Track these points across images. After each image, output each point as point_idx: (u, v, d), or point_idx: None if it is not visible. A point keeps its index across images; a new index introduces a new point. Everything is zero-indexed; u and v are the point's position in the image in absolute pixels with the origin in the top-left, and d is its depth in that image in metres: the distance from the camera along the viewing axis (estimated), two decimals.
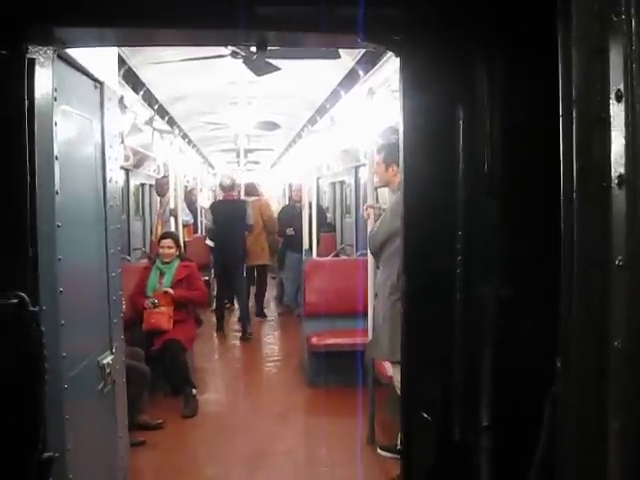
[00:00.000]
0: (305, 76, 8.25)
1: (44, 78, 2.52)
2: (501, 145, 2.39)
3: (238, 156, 12.68)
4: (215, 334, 11.17)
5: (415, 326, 2.58)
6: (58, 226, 2.65)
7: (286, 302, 12.34)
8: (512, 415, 2.37)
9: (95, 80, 3.34)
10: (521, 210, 2.42)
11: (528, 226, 2.42)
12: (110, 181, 3.49)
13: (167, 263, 7.61)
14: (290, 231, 11.68)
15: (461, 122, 2.43)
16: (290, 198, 12.98)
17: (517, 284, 2.40)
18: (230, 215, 10.64)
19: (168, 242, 7.67)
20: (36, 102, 2.42)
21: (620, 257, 1.34)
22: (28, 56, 2.37)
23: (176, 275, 7.57)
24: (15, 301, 2.26)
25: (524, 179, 2.40)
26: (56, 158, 2.65)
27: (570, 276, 1.40)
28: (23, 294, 2.28)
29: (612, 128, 1.37)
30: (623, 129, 1.32)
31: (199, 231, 14.10)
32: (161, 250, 7.68)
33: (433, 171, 2.49)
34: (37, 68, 2.44)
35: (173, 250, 7.62)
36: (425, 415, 2.52)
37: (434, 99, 2.46)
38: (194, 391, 7.32)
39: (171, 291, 7.33)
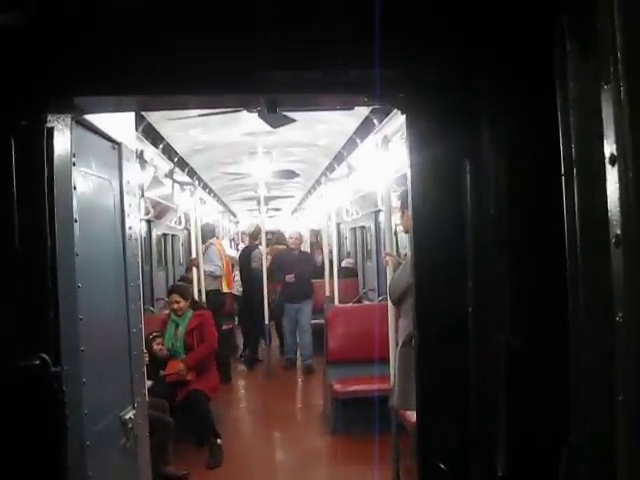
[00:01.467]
0: (321, 126, 8.35)
1: (63, 144, 2.61)
2: (508, 196, 2.44)
3: (259, 204, 12.76)
4: None
5: (429, 376, 2.60)
6: (79, 287, 2.71)
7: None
8: (527, 465, 2.37)
9: (113, 141, 3.44)
10: (529, 259, 2.46)
11: (536, 274, 2.45)
12: (130, 238, 3.57)
13: (180, 316, 7.70)
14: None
15: (468, 176, 2.48)
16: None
17: (527, 332, 2.43)
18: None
19: (174, 297, 7.80)
20: (55, 167, 2.51)
21: (620, 314, 1.38)
22: (47, 125, 2.46)
23: (188, 325, 7.66)
24: (37, 362, 2.32)
25: (531, 229, 2.44)
26: (75, 220, 2.73)
27: (579, 331, 1.43)
28: (45, 355, 2.34)
29: (608, 189, 1.41)
30: (617, 191, 1.37)
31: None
32: (171, 305, 7.81)
33: (441, 223, 2.54)
34: (56, 134, 2.53)
35: (182, 304, 7.71)
36: (441, 465, 2.53)
37: (440, 154, 2.52)
38: (219, 441, 7.31)
39: (182, 367, 7.41)
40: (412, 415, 6.04)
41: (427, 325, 2.59)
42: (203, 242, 10.79)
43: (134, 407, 3.49)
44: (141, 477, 3.70)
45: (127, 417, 3.36)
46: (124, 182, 3.54)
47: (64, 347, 2.47)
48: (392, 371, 5.78)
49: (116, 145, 3.48)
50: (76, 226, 2.73)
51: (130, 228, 3.58)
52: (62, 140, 2.59)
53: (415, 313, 2.62)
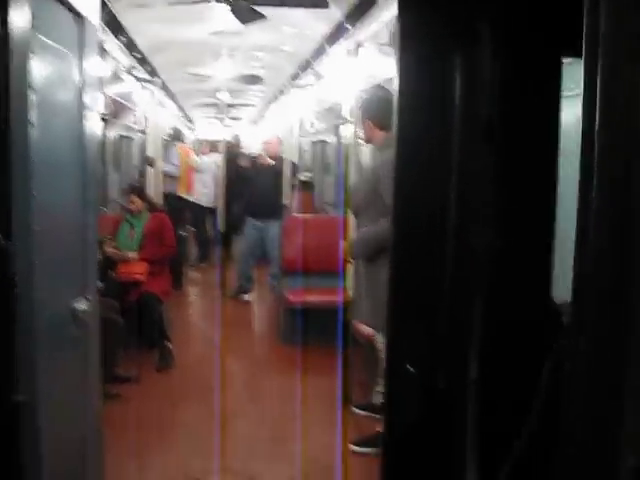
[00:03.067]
0: (290, 29, 8.06)
1: (19, 3, 2.37)
2: (501, 94, 2.30)
3: (219, 111, 12.46)
4: None
5: (403, 277, 2.49)
6: (33, 161, 2.51)
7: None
8: (502, 369, 2.30)
9: (76, 13, 3.17)
10: (519, 161, 2.34)
11: (525, 175, 2.33)
12: (89, 122, 3.35)
13: (135, 216, 7.51)
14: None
15: (459, 71, 2.33)
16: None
17: (510, 235, 2.32)
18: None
19: (131, 197, 7.62)
20: (10, 29, 2.28)
21: None
22: None
23: (146, 228, 7.47)
24: None
25: (523, 129, 2.31)
26: (30, 86, 2.49)
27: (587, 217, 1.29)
28: None
29: None
30: None
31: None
32: (128, 205, 7.65)
33: (428, 116, 2.39)
34: None
35: (139, 203, 7.51)
36: (410, 368, 2.45)
37: (431, 47, 2.35)
38: (169, 345, 7.25)
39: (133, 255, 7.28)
40: (365, 328, 6.04)
41: (404, 225, 2.46)
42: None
43: (86, 299, 3.33)
44: (90, 373, 3.57)
45: (79, 308, 3.20)
46: (85, 62, 3.30)
47: (15, 222, 2.29)
48: (351, 283, 5.70)
49: (79, 18, 3.22)
50: (31, 93, 2.50)
51: (90, 112, 3.36)
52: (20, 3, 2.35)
53: (393, 212, 2.48)
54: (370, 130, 5.34)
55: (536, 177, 2.36)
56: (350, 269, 5.70)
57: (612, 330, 1.24)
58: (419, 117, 2.40)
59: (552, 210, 2.38)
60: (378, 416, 5.55)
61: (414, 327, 2.48)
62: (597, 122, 1.24)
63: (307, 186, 14.02)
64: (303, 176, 14.71)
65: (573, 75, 2.30)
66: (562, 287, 2.58)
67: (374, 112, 5.28)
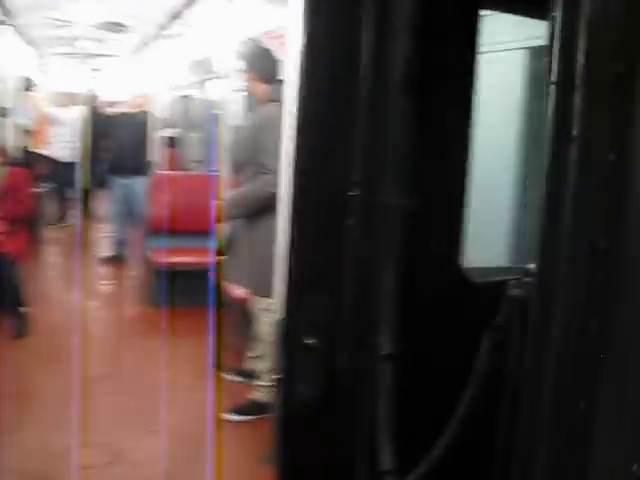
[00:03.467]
0: None
1: None
2: (415, 42, 2.08)
3: (81, 61, 11.76)
4: None
5: (304, 242, 2.26)
6: None
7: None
8: (413, 342, 2.13)
9: None
10: (430, 113, 2.14)
11: (442, 127, 2.15)
12: None
13: None
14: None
15: (372, 17, 2.09)
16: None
17: (421, 195, 2.14)
18: None
19: None
20: None
21: None
22: None
23: (3, 184, 6.88)
24: None
25: (437, 81, 2.12)
26: None
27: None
28: None
29: None
30: None
31: None
32: None
33: (335, 66, 2.15)
34: None
35: None
36: (309, 340, 2.23)
37: None
38: (26, 309, 6.76)
39: None
40: (241, 290, 5.82)
41: (306, 184, 2.22)
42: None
43: None
44: None
45: None
46: None
47: None
48: (224, 243, 5.42)
49: None
50: None
51: None
52: None
53: (295, 170, 2.24)
54: (253, 83, 5.06)
55: (449, 134, 2.19)
56: (223, 229, 5.42)
57: (587, 299, 1.09)
58: (324, 67, 2.16)
59: (464, 172, 2.23)
60: (251, 382, 5.37)
61: (315, 297, 2.27)
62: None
63: (173, 142, 13.56)
64: (169, 132, 14.22)
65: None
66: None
67: (258, 65, 5.02)
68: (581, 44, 1.11)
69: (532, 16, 2.59)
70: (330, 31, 2.12)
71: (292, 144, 2.24)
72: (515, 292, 1.38)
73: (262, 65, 5.03)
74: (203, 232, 6.74)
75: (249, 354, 5.61)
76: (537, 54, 3.80)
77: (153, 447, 4.82)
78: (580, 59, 1.12)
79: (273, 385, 4.71)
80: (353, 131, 2.15)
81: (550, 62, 1.18)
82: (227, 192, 5.30)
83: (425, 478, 1.74)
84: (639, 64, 1.07)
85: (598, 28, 1.09)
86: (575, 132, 1.12)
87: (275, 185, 4.33)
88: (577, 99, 1.13)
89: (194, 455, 4.65)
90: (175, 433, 4.95)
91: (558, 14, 1.16)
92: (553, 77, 1.18)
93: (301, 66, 2.13)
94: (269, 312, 4.69)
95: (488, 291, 2.35)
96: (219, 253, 5.62)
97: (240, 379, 5.72)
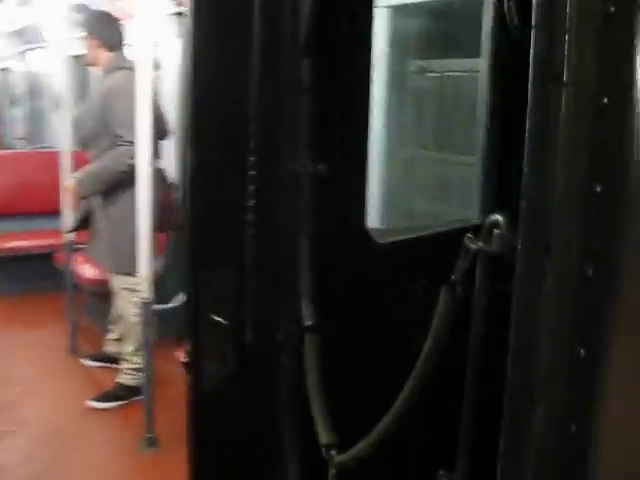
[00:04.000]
0: None
1: None
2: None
3: None
4: None
5: (203, 214, 2.12)
6: None
7: None
8: (334, 315, 2.04)
9: None
10: (335, 73, 2.05)
11: (342, 92, 2.06)
12: None
13: None
14: None
15: None
16: None
17: (325, 158, 2.04)
18: None
19: None
20: None
21: None
22: None
23: None
24: None
25: (341, 39, 2.01)
26: None
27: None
28: None
29: None
30: None
31: None
32: None
33: (228, 26, 2.00)
34: None
35: None
36: (216, 318, 2.11)
37: None
38: None
39: None
40: (90, 271, 5.53)
41: (202, 151, 2.07)
42: None
43: None
44: None
45: None
46: None
47: None
48: (78, 222, 5.07)
49: None
50: None
51: None
52: None
53: (191, 135, 2.08)
54: (95, 51, 4.74)
55: (349, 94, 2.10)
56: (77, 207, 5.06)
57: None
58: (215, 28, 2.01)
59: (367, 135, 2.16)
60: (115, 366, 5.12)
61: (219, 272, 2.14)
62: None
63: None
64: None
65: None
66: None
67: (100, 31, 4.70)
68: None
69: None
70: None
71: (186, 116, 2.09)
72: (479, 245, 1.31)
73: (104, 31, 4.73)
74: (49, 212, 6.34)
75: (110, 337, 5.34)
76: (400, 11, 3.78)
77: (13, 444, 4.46)
78: (568, 0, 1.06)
79: (139, 367, 4.52)
80: (250, 97, 2.03)
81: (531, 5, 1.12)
82: (78, 169, 4.94)
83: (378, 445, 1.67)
84: (629, 4, 1.03)
85: None
86: (565, 78, 1.07)
87: (133, 156, 4.13)
88: (565, 43, 1.07)
89: (60, 452, 4.34)
90: (37, 431, 4.61)
91: None
92: (536, 21, 1.11)
93: (191, 32, 1.97)
94: (132, 291, 4.47)
95: (393, 251, 2.33)
96: (74, 231, 5.29)
97: (102, 364, 5.44)
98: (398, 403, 1.54)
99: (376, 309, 2.13)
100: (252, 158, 2.05)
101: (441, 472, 1.49)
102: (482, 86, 2.57)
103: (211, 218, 2.11)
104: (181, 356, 2.30)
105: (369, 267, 2.22)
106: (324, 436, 1.83)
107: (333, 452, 1.80)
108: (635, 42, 1.00)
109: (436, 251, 2.36)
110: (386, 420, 1.58)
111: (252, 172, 2.06)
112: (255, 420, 2.24)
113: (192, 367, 2.18)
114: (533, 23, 1.12)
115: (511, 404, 1.18)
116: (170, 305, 4.90)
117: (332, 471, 1.81)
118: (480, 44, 2.59)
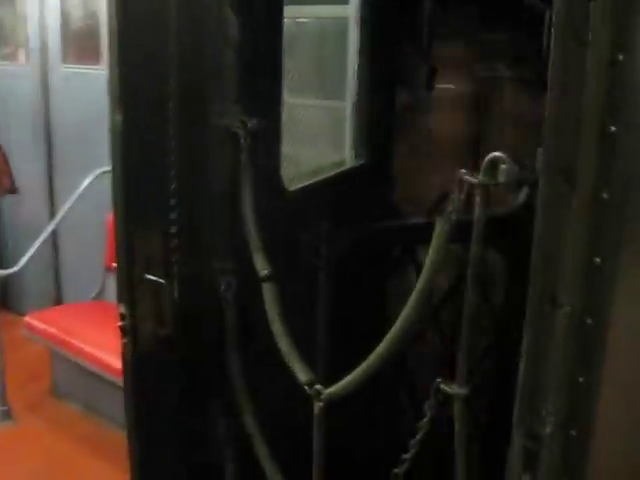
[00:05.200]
0: None
1: None
2: None
3: None
4: None
5: (129, 176, 2.10)
6: None
7: None
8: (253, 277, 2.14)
9: None
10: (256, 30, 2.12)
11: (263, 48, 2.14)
12: None
13: None
14: None
15: None
16: None
17: (258, 113, 2.13)
18: None
19: None
20: None
21: None
22: None
23: None
24: None
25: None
26: None
27: None
28: None
29: None
30: None
31: None
32: None
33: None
34: None
35: None
36: (152, 277, 2.13)
37: None
38: None
39: None
40: None
41: (128, 114, 2.05)
42: None
43: None
44: None
45: None
46: None
47: None
48: None
49: None
50: None
51: None
52: None
53: (119, 103, 2.04)
54: None
55: (268, 51, 2.19)
56: None
57: None
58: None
59: (280, 86, 2.26)
60: None
61: (151, 234, 2.16)
62: None
63: None
64: None
65: None
66: None
67: None
68: None
69: None
70: None
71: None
72: (481, 179, 1.51)
73: None
74: None
75: None
76: None
77: None
78: None
79: None
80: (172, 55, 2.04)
81: None
82: None
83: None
84: None
85: None
86: (590, 37, 1.27)
87: None
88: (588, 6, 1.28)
89: None
90: None
91: None
92: None
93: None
94: None
95: (302, 197, 2.48)
96: None
97: None
98: (394, 332, 1.71)
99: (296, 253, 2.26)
100: (175, 116, 2.07)
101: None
102: (351, 33, 2.73)
103: (137, 178, 2.11)
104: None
105: (285, 214, 2.34)
106: (303, 375, 1.94)
107: (319, 386, 1.92)
108: None
109: (334, 193, 2.55)
110: (379, 349, 1.74)
111: (175, 133, 2.08)
112: (193, 376, 2.30)
113: (128, 330, 2.18)
114: None
115: (533, 307, 1.41)
116: (10, 270, 4.61)
117: (319, 405, 1.93)
118: None
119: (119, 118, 2.03)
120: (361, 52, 2.71)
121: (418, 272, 1.75)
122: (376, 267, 2.89)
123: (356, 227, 2.55)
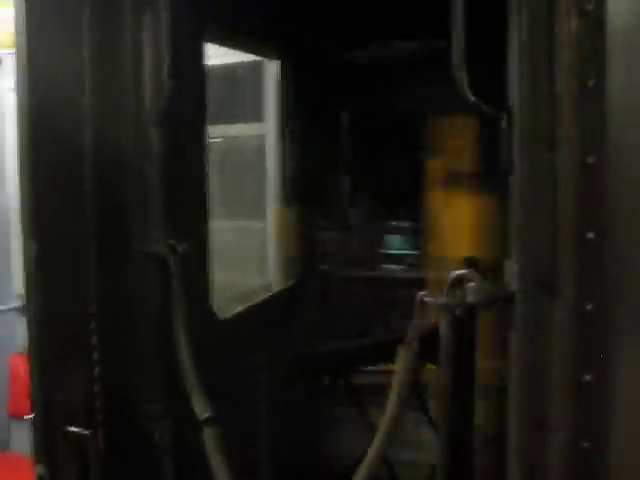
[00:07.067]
0: None
1: None
2: None
3: None
4: None
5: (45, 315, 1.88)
6: None
7: None
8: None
9: None
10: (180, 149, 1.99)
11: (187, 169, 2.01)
12: None
13: None
14: None
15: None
16: None
17: (186, 237, 1.97)
18: None
19: None
20: None
21: None
22: None
23: None
24: None
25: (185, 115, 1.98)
26: None
27: None
28: None
29: None
30: None
31: None
32: None
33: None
34: None
35: None
36: (72, 429, 1.88)
37: None
38: None
39: None
40: None
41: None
42: None
43: None
44: None
45: None
46: None
47: None
48: None
49: None
50: None
51: None
52: None
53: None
54: None
55: (192, 171, 2.08)
56: None
57: None
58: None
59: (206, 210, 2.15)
60: None
61: (69, 382, 1.93)
62: None
63: None
64: None
65: None
66: None
67: None
68: None
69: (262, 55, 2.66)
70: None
71: None
72: (447, 300, 1.39)
73: None
74: None
75: None
76: None
77: None
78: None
79: None
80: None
81: None
82: None
83: None
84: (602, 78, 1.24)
85: None
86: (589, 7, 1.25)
87: None
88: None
89: None
90: None
91: None
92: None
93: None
94: None
95: (233, 325, 2.31)
96: None
97: None
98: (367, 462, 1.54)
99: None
100: (94, 244, 1.88)
101: None
102: (269, 148, 2.64)
103: (56, 314, 1.88)
104: None
105: (217, 343, 2.18)
106: None
107: None
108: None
109: (265, 318, 2.40)
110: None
111: (94, 260, 1.88)
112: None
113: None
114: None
115: (520, 432, 1.29)
116: None
117: None
118: (262, 109, 2.66)
119: (34, 247, 1.81)
120: (285, 168, 2.62)
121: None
122: (311, 394, 2.74)
123: (292, 352, 2.42)
